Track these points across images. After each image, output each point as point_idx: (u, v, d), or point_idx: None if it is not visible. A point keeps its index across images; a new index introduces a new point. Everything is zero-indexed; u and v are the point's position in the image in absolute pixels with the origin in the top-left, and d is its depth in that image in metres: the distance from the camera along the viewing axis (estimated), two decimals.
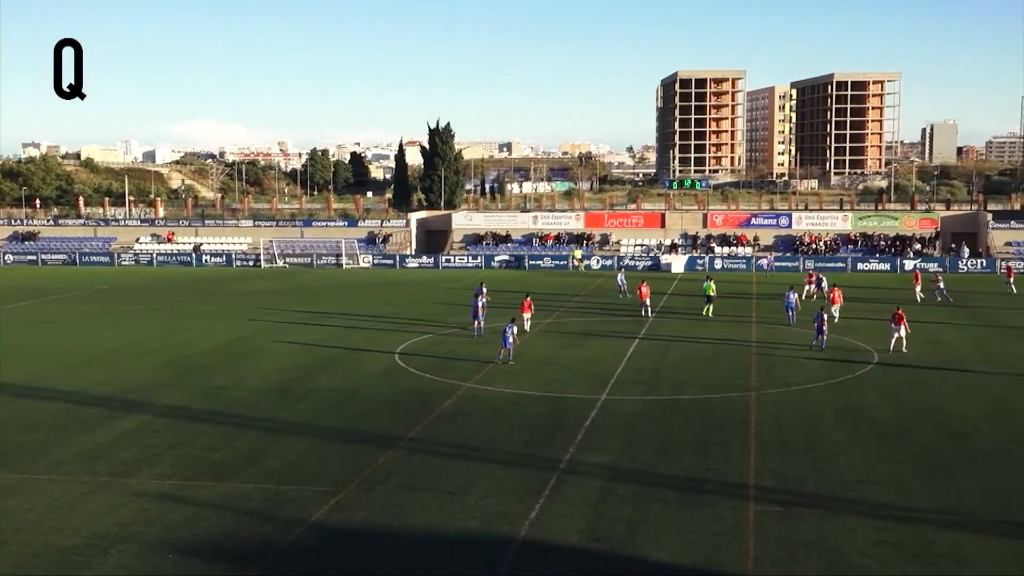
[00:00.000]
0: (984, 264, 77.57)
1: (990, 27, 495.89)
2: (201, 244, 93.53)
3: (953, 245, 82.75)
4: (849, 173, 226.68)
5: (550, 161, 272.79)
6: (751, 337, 43.28)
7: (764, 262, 78.04)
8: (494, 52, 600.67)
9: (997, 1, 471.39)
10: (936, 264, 76.85)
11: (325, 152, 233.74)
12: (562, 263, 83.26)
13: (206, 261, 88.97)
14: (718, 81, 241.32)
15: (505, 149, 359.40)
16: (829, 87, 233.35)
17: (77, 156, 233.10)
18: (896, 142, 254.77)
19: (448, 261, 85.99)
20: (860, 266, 79.41)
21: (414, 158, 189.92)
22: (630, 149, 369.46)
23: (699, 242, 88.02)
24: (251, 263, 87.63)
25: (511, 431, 26.99)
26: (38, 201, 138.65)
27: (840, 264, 79.18)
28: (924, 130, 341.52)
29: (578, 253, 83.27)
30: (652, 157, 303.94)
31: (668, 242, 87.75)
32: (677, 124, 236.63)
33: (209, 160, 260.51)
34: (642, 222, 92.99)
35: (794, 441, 25.62)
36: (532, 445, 25.51)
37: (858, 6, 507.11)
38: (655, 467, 23.48)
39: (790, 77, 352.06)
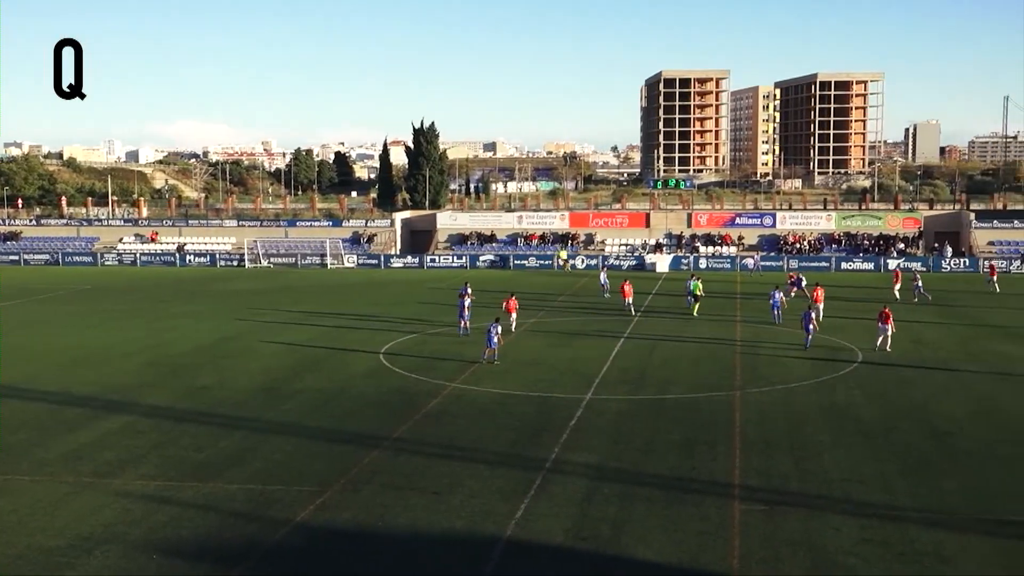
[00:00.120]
0: (967, 263, 77.98)
1: (973, 28, 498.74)
2: (185, 244, 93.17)
3: (936, 244, 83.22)
4: (833, 173, 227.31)
5: (535, 161, 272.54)
6: (736, 336, 43.39)
7: (750, 262, 78.26)
8: (479, 52, 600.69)
9: (980, 2, 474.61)
10: (920, 263, 77.16)
11: (309, 152, 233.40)
12: (547, 263, 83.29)
13: (190, 261, 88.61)
14: (702, 81, 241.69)
15: (490, 149, 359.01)
16: (813, 87, 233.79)
17: (60, 156, 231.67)
18: (879, 142, 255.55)
19: (433, 261, 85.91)
20: (844, 265, 79.70)
21: (399, 158, 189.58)
22: (615, 149, 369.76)
23: (684, 242, 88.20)
24: (235, 263, 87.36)
25: (497, 431, 26.99)
26: (20, 201, 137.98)
27: (824, 264, 79.42)
28: (907, 130, 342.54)
29: (563, 253, 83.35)
30: (637, 157, 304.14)
31: (653, 242, 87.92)
32: (661, 124, 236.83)
33: (193, 160, 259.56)
34: (627, 222, 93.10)
35: (779, 440, 25.70)
36: (518, 445, 25.52)
37: (841, 6, 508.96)
38: (641, 466, 23.51)
39: (774, 77, 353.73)
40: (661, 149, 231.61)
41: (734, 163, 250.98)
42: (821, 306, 46.81)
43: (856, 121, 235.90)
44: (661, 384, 33.05)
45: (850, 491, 21.50)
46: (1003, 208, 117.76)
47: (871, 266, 79.12)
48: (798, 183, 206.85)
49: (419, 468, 23.39)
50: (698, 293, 50.52)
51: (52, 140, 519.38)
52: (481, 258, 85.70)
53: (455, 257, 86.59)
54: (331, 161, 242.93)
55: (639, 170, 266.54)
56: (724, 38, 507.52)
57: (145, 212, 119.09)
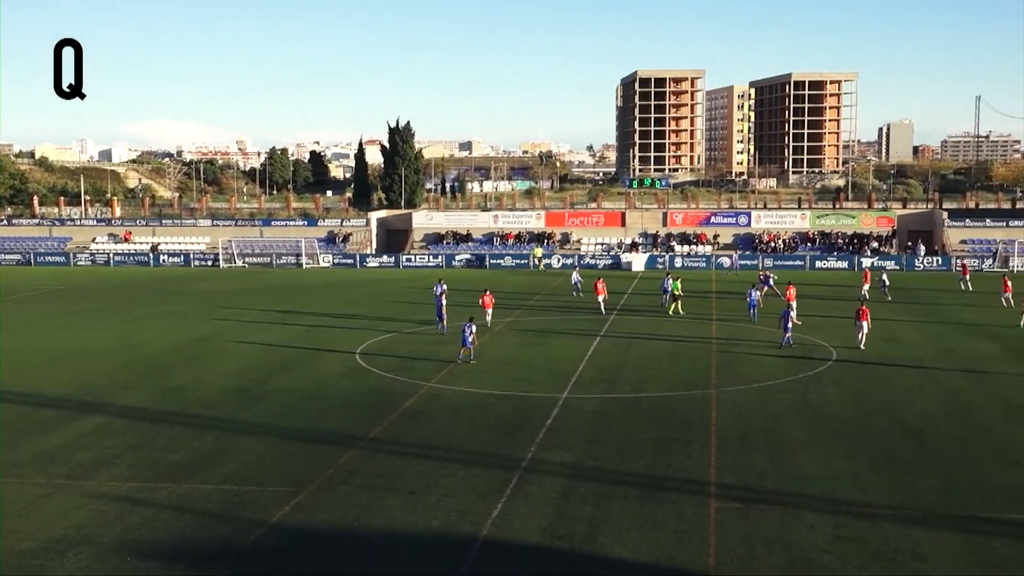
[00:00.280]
0: (940, 262, 78.63)
1: (946, 28, 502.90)
2: (159, 244, 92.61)
3: (909, 243, 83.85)
4: (807, 172, 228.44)
5: (510, 160, 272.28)
6: (712, 335, 43.54)
7: (729, 261, 78.60)
8: (454, 51, 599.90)
9: (952, 2, 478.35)
10: (893, 262, 77.75)
11: (284, 151, 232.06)
12: (523, 262, 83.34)
13: (164, 261, 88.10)
14: (677, 80, 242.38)
15: (465, 148, 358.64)
16: (787, 87, 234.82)
17: (31, 155, 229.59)
18: (853, 141, 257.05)
19: (409, 260, 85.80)
20: (818, 264, 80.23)
21: (374, 157, 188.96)
22: (590, 148, 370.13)
23: (659, 241, 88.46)
24: (210, 263, 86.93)
25: (473, 430, 26.97)
26: None
27: (799, 262, 79.90)
28: (881, 129, 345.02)
29: (539, 252, 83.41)
30: (612, 156, 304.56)
31: (628, 241, 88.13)
32: (637, 123, 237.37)
33: (166, 159, 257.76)
34: (603, 221, 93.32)
35: (754, 438, 25.81)
36: (494, 444, 25.51)
37: (816, 7, 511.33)
38: (617, 465, 23.54)
39: (748, 77, 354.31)
40: (637, 148, 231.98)
41: (709, 162, 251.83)
42: (794, 304, 47.03)
43: (830, 121, 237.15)
44: (637, 383, 33.12)
45: (825, 489, 21.60)
46: (975, 207, 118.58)
47: (845, 265, 79.64)
48: (773, 182, 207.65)
49: (395, 468, 23.34)
50: (677, 292, 50.79)
51: (24, 139, 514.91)
52: (457, 257, 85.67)
53: (431, 256, 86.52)
54: (306, 160, 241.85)
55: (615, 169, 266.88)
56: (699, 38, 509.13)
57: (118, 212, 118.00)
